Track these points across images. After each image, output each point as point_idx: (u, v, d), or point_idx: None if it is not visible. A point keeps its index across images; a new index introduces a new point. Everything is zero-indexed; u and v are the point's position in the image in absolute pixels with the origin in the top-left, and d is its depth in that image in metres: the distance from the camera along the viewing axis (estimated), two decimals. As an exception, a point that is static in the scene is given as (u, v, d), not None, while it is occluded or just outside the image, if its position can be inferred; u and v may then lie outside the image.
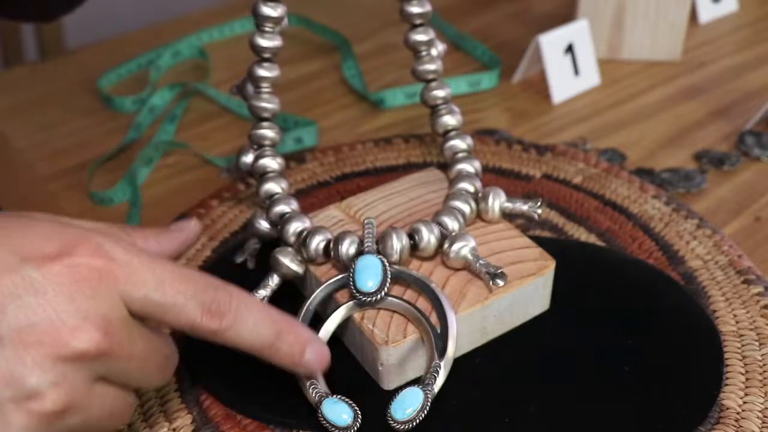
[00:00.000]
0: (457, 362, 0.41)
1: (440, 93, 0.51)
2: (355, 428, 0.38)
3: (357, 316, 0.42)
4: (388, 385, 0.41)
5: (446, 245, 0.44)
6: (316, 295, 0.42)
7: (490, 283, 0.42)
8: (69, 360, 0.31)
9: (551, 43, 0.68)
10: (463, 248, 0.43)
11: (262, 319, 0.36)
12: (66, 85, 0.72)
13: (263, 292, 0.44)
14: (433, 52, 0.50)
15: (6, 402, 0.30)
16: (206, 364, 0.43)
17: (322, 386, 0.40)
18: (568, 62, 0.69)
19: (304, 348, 0.37)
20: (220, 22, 0.79)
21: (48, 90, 0.72)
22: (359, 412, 0.39)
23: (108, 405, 0.33)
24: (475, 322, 0.43)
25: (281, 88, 0.49)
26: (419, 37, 0.49)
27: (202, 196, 0.56)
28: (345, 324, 0.42)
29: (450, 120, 0.51)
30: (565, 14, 0.76)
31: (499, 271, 0.42)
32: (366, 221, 0.44)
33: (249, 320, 0.35)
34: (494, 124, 0.66)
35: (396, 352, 0.40)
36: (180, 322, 0.34)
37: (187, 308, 0.33)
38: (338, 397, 0.39)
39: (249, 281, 0.46)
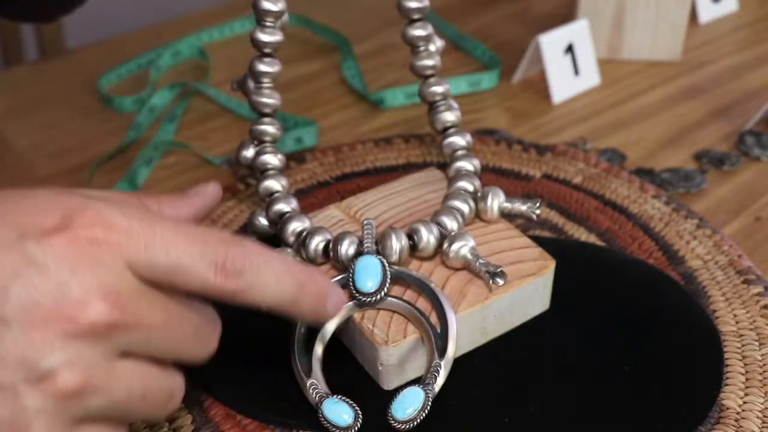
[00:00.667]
0: (457, 362, 0.41)
1: (439, 89, 0.50)
2: (356, 428, 0.38)
3: (357, 316, 0.42)
4: (388, 385, 0.41)
5: (445, 245, 0.44)
6: (316, 295, 0.42)
7: (490, 282, 0.42)
8: (80, 336, 0.29)
9: (551, 43, 0.68)
10: (462, 248, 0.43)
11: (282, 274, 0.33)
12: (66, 85, 0.72)
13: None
14: (432, 47, 0.50)
15: (19, 384, 0.28)
16: (206, 364, 0.43)
17: (322, 386, 0.40)
18: (568, 62, 0.69)
19: (325, 300, 0.35)
20: (220, 22, 0.79)
21: (48, 90, 0.72)
22: (360, 413, 0.39)
23: (138, 385, 0.31)
24: (475, 322, 0.43)
25: (281, 88, 0.49)
26: (417, 32, 0.49)
27: (202, 196, 0.56)
28: (345, 324, 0.42)
29: (449, 116, 0.51)
30: (565, 14, 0.76)
31: (499, 270, 0.42)
32: (365, 222, 0.44)
33: (269, 277, 0.32)
34: (494, 124, 0.66)
35: (396, 352, 0.40)
36: (192, 285, 0.31)
37: (196, 268, 0.31)
38: (339, 397, 0.39)
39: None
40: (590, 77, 0.71)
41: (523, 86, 0.71)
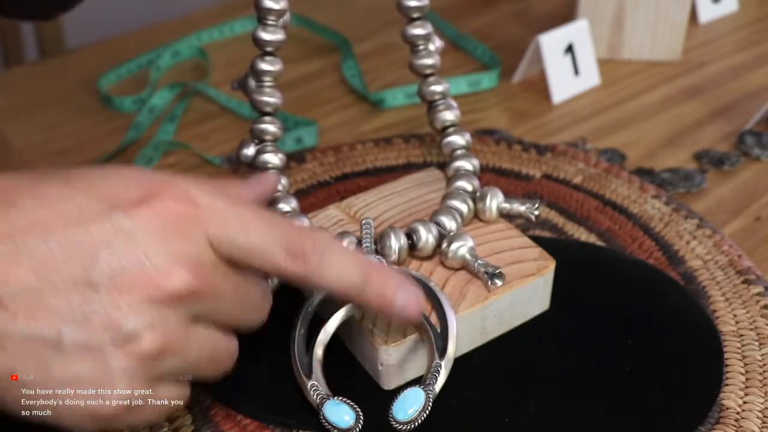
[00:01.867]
0: (457, 362, 0.41)
1: (438, 88, 0.50)
2: (357, 430, 0.38)
3: (357, 316, 0.41)
4: (388, 385, 0.41)
5: (444, 245, 0.44)
6: (316, 296, 0.42)
7: (488, 283, 0.42)
8: (162, 302, 0.31)
9: (551, 43, 0.68)
10: (461, 248, 0.43)
11: (347, 262, 0.35)
12: (66, 85, 0.72)
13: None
14: (431, 46, 0.50)
15: (106, 346, 0.30)
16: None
17: (323, 388, 0.40)
18: (568, 62, 0.69)
19: (395, 293, 0.36)
20: (220, 22, 0.79)
21: (48, 90, 0.72)
22: (361, 414, 0.38)
23: (207, 347, 0.33)
24: (475, 321, 0.43)
25: (281, 88, 0.49)
26: (417, 30, 0.49)
27: (202, 196, 0.56)
28: (345, 324, 0.42)
29: (448, 115, 0.51)
30: (565, 14, 0.76)
31: (498, 271, 0.42)
32: (363, 221, 0.44)
33: (334, 263, 0.35)
34: (494, 123, 0.66)
35: (396, 352, 0.40)
36: (265, 266, 0.34)
37: (271, 251, 0.34)
38: (340, 398, 0.39)
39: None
40: (590, 77, 0.71)
41: (523, 86, 0.71)
